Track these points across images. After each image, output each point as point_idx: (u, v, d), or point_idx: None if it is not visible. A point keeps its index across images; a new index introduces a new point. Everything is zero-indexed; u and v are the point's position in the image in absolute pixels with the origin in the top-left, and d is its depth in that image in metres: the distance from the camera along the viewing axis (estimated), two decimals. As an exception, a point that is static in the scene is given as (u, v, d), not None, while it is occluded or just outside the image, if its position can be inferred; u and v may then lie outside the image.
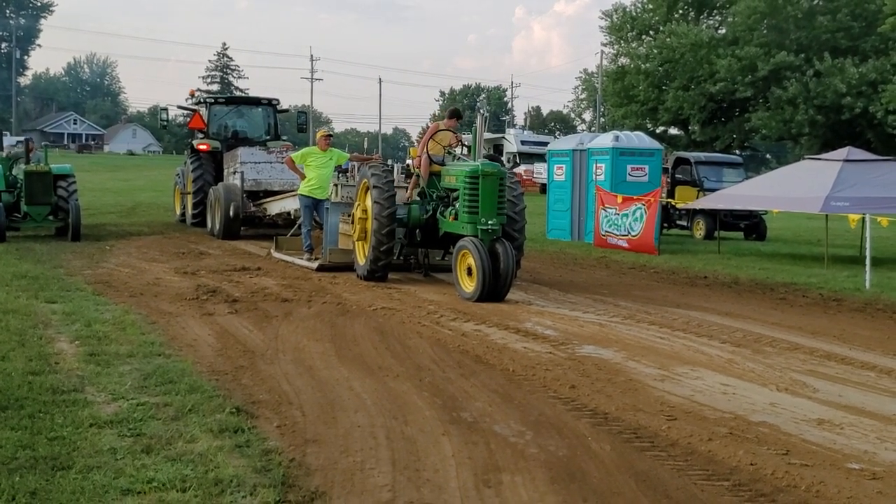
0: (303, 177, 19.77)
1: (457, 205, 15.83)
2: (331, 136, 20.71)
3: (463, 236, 15.38)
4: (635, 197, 24.76)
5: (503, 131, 73.93)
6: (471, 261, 14.88)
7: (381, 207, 16.25)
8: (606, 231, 25.61)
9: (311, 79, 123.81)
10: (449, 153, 17.13)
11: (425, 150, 17.01)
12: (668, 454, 7.19)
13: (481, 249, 14.70)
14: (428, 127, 19.06)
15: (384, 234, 16.30)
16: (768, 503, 6.24)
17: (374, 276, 16.70)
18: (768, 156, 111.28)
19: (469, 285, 15.00)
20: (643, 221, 24.32)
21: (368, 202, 16.73)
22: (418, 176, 17.16)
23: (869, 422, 8.25)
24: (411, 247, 17.64)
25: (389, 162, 19.22)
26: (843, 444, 7.57)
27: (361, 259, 17.09)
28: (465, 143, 17.88)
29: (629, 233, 24.68)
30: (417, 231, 17.09)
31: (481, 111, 16.78)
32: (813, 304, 16.13)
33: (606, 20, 79.01)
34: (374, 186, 16.36)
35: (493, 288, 14.75)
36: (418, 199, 17.19)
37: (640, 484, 6.53)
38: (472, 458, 6.96)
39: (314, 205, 19.54)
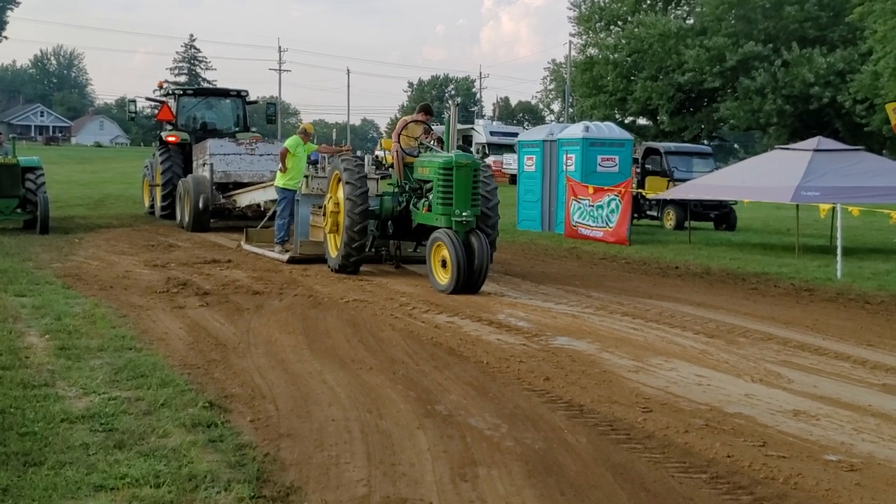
0: (285, 169, 19.59)
1: (430, 196, 15.76)
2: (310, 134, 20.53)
3: (437, 228, 15.32)
4: (606, 188, 24.74)
5: (472, 122, 73.82)
6: (445, 253, 14.82)
7: (354, 204, 16.15)
8: (577, 222, 25.58)
9: (280, 70, 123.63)
10: (422, 144, 17.05)
11: (397, 144, 16.95)
12: (644, 446, 7.18)
13: (456, 241, 14.64)
14: (398, 118, 18.96)
15: (356, 231, 16.22)
16: (746, 496, 6.23)
17: (346, 269, 16.63)
18: (736, 145, 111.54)
19: (443, 277, 14.95)
20: (619, 212, 24.30)
21: (340, 194, 16.64)
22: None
23: (845, 412, 8.27)
24: (383, 239, 17.54)
25: (359, 153, 19.08)
26: (820, 435, 7.58)
27: (333, 252, 16.99)
28: (438, 136, 17.80)
29: (607, 224, 24.62)
30: (390, 223, 17.02)
31: (454, 100, 16.66)
32: (785, 294, 16.16)
33: (575, 10, 78.93)
34: (347, 182, 16.26)
35: (468, 280, 14.71)
36: (392, 189, 17.13)
37: (616, 477, 6.51)
38: (447, 452, 6.93)
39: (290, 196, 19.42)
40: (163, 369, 9.13)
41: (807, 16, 64.30)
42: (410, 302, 13.90)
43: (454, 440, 7.22)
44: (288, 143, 20.07)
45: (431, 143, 17.11)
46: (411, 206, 16.54)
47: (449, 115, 16.71)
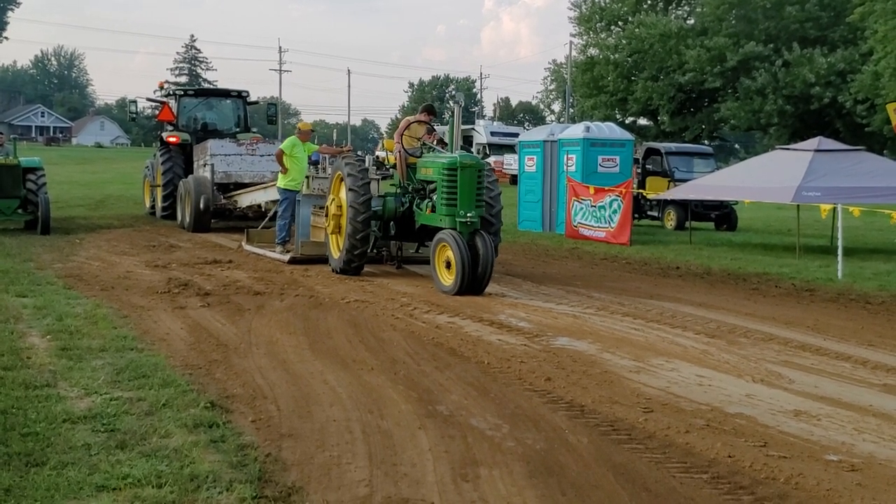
0: (285, 170, 19.56)
1: (434, 197, 15.72)
2: (313, 131, 20.53)
3: (440, 229, 15.30)
4: (607, 188, 24.73)
5: (472, 122, 73.72)
6: (449, 254, 14.78)
7: (357, 212, 16.10)
8: (579, 222, 25.57)
9: (280, 70, 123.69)
10: (424, 144, 17.01)
11: (400, 145, 16.91)
12: (645, 447, 7.18)
13: (460, 242, 14.60)
14: (399, 119, 18.95)
15: (358, 238, 16.19)
16: (747, 496, 6.23)
17: (348, 272, 16.59)
18: (737, 146, 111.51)
19: (448, 278, 14.91)
20: (620, 213, 24.29)
21: (343, 195, 16.60)
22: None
23: (846, 413, 8.27)
24: (385, 239, 17.49)
25: (359, 153, 19.04)
26: (821, 435, 7.58)
27: (336, 253, 16.95)
28: (441, 138, 17.74)
29: (609, 224, 24.59)
30: (392, 223, 16.95)
31: (458, 101, 16.53)
32: (786, 295, 16.15)
33: (575, 11, 78.83)
34: (350, 189, 16.18)
35: (472, 281, 14.67)
36: (394, 190, 17.09)
37: (618, 477, 6.51)
38: (449, 452, 6.93)
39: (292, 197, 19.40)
40: (164, 370, 9.13)
41: (807, 16, 64.24)
42: (412, 302, 13.91)
43: (455, 440, 7.22)
44: (283, 144, 20.04)
45: (434, 143, 17.08)
46: (414, 206, 16.50)
47: (452, 116, 16.65)
